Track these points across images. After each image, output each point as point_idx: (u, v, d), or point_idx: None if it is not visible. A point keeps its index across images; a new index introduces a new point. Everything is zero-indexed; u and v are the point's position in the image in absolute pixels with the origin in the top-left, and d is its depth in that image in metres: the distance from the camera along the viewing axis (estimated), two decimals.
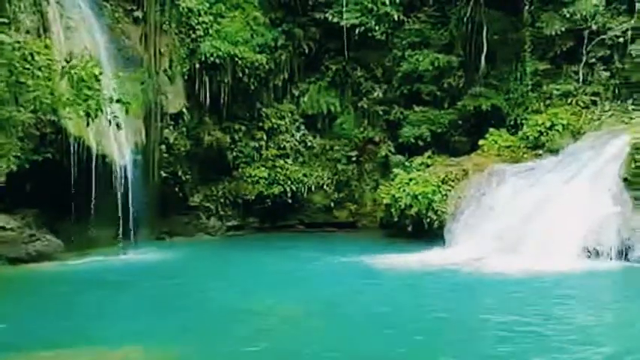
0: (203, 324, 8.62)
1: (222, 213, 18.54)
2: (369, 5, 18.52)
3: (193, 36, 17.22)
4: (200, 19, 17.25)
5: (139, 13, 16.22)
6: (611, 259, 13.04)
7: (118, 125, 12.06)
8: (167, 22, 16.82)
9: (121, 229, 14.69)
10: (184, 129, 17.27)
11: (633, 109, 16.33)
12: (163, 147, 16.70)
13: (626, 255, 13.00)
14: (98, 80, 10.92)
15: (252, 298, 10.08)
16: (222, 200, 18.46)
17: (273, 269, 13.09)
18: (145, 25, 16.33)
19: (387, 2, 18.50)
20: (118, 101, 11.33)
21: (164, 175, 16.78)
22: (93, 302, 9.94)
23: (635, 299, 10.70)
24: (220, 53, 17.04)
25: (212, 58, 17.03)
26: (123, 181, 14.72)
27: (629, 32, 17.06)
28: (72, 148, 13.86)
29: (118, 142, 14.74)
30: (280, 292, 10.65)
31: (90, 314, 9.23)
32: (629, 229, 13.08)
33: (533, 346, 7.66)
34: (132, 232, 14.90)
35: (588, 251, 13.24)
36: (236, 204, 18.60)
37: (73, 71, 10.53)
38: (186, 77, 17.24)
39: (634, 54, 16.82)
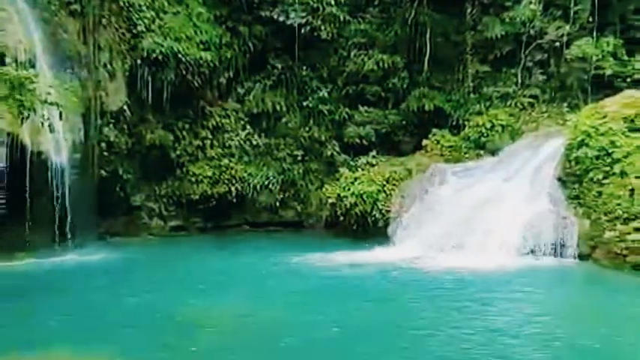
0: (126, 330, 8.33)
1: (165, 213, 18.16)
2: (315, 5, 18.55)
3: (134, 31, 16.79)
4: (141, 14, 16.83)
5: (76, 7, 15.66)
6: (548, 255, 13.47)
7: (50, 127, 11.69)
8: (107, 17, 16.34)
9: (58, 229, 14.20)
10: (125, 127, 16.80)
11: (568, 112, 16.96)
12: (103, 145, 16.21)
13: (560, 252, 13.47)
14: (32, 82, 10.57)
15: (184, 302, 9.81)
16: (165, 200, 18.08)
17: (211, 270, 12.83)
18: (84, 18, 15.81)
19: (333, 2, 18.60)
20: (51, 103, 10.98)
21: (104, 174, 16.29)
22: (17, 307, 9.50)
23: (560, 296, 11.12)
24: (163, 49, 16.68)
25: (154, 55, 16.64)
26: (60, 179, 14.21)
27: (564, 37, 17.73)
28: (4, 145, 13.27)
29: (54, 139, 14.21)
30: (216, 295, 10.46)
31: (11, 319, 8.81)
32: (563, 227, 13.57)
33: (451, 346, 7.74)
34: (70, 232, 14.41)
35: (526, 248, 13.65)
36: (179, 204, 18.25)
37: (6, 77, 10.15)
38: (127, 74, 16.79)
39: (569, 58, 17.49)
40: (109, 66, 16.43)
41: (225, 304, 9.68)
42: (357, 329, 8.42)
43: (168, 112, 17.75)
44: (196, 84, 17.77)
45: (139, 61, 16.79)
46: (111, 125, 16.39)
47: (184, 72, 17.25)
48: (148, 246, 16.51)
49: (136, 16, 16.90)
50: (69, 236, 14.38)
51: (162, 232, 18.01)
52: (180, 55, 16.99)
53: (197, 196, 18.09)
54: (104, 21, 16.35)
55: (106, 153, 16.34)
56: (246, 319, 8.89)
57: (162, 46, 16.72)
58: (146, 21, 16.97)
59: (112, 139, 16.41)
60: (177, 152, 18.12)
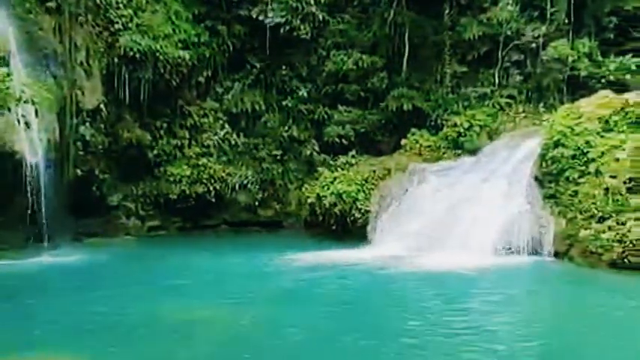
0: (96, 334, 8.14)
1: (142, 213, 18.00)
2: (294, 4, 18.51)
3: (112, 29, 16.65)
4: (119, 11, 16.69)
5: (52, 4, 15.45)
6: (525, 254, 13.59)
7: (27, 124, 11.52)
8: (83, 14, 16.15)
9: (32, 230, 13.98)
10: (102, 126, 16.63)
11: (544, 112, 17.16)
12: (79, 144, 16.03)
13: (537, 250, 13.62)
14: (6, 81, 10.38)
15: (158, 304, 9.64)
16: (142, 200, 17.93)
17: (189, 271, 12.68)
18: (60, 16, 15.59)
19: (312, 2, 18.57)
20: (26, 101, 10.81)
21: (80, 173, 16.08)
22: None
23: (533, 295, 11.21)
24: (140, 48, 16.54)
25: (132, 53, 16.51)
26: (34, 179, 13.99)
27: (541, 38, 17.95)
28: None
29: (29, 138, 13.99)
30: (193, 297, 10.33)
31: None
32: (539, 226, 13.72)
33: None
34: (45, 233, 14.19)
35: (504, 247, 13.76)
36: (157, 203, 18.11)
37: None
38: (104, 72, 16.64)
39: (545, 59, 17.71)
40: (85, 64, 16.26)
41: (202, 307, 9.52)
42: (322, 332, 8.29)
43: (146, 111, 17.62)
44: (174, 83, 17.65)
45: (116, 60, 16.67)
46: (87, 124, 16.21)
47: (162, 71, 17.14)
48: (126, 246, 16.34)
49: (114, 14, 16.76)
50: (44, 237, 14.17)
51: (140, 232, 17.85)
52: (158, 54, 16.88)
53: (175, 196, 17.97)
54: (81, 19, 16.17)
55: (81, 152, 16.16)
56: (219, 323, 8.78)
57: (139, 44, 16.58)
58: (124, 19, 16.82)
59: (88, 138, 16.23)
60: (155, 152, 17.98)
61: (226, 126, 18.95)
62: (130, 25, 16.82)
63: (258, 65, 19.27)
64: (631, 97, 13.85)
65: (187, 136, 18.49)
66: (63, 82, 15.48)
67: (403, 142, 18.01)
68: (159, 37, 17.11)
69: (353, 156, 18.24)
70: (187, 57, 17.51)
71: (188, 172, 18.11)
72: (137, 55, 16.58)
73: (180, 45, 17.54)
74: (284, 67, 19.32)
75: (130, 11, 16.87)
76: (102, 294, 10.39)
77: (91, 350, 7.41)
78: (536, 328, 8.71)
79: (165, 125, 18.18)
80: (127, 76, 16.79)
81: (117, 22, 16.67)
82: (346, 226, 16.51)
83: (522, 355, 7.47)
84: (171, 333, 8.23)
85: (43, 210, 14.01)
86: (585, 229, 12.91)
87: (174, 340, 7.94)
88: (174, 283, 11.47)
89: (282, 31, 18.59)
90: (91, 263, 13.54)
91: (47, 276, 12.22)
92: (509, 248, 13.73)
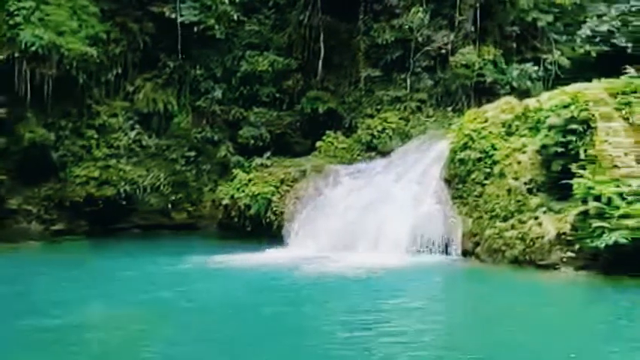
0: None
1: (46, 217, 17.06)
2: (208, 3, 18.22)
3: (12, 22, 15.72)
4: (20, 4, 15.81)
5: None
6: (435, 253, 14.00)
7: None
8: None
9: None
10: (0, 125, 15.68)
11: (452, 116, 17.82)
12: None
13: (446, 249, 14.09)
14: None
15: (42, 313, 9.15)
16: (45, 203, 16.99)
17: (84, 279, 12.01)
18: None
19: (227, 1, 18.34)
20: None
21: None
22: None
23: (435, 292, 11.62)
24: (43, 43, 15.70)
25: (33, 48, 15.63)
26: None
27: (449, 45, 18.62)
28: None
29: None
30: (74, 307, 9.73)
31: None
32: (448, 226, 14.20)
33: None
34: None
35: (415, 247, 14.13)
36: (62, 207, 17.23)
37: None
38: (3, 68, 15.66)
39: (453, 65, 18.39)
40: None
41: (84, 320, 8.99)
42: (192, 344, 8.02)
43: (50, 110, 16.75)
44: (81, 80, 16.88)
45: (16, 55, 15.73)
46: None
47: (68, 67, 16.34)
48: (25, 252, 15.42)
49: (14, 6, 15.87)
50: None
51: (43, 236, 16.90)
52: (62, 49, 16.08)
53: (81, 199, 17.18)
54: None
55: None
56: (114, 331, 8.46)
57: (42, 39, 15.74)
58: (25, 12, 15.95)
59: None
60: (60, 152, 17.14)
61: (137, 126, 18.32)
62: (31, 18, 15.93)
63: (171, 64, 18.77)
64: (531, 103, 14.62)
65: (95, 136, 17.73)
66: None
67: (318, 144, 18.15)
68: (64, 32, 16.32)
69: (268, 157, 18.13)
70: (95, 54, 16.79)
71: (96, 174, 17.37)
72: (39, 51, 15.73)
73: (87, 41, 16.80)
74: (198, 67, 18.95)
75: (32, 3, 15.97)
76: None
77: None
78: (431, 325, 8.93)
79: (71, 125, 17.34)
80: (28, 72, 15.90)
81: (17, 15, 15.75)
82: (261, 228, 16.42)
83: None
84: (40, 351, 7.68)
85: None
86: (490, 228, 13.49)
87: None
88: (64, 295, 10.65)
89: (195, 30, 18.23)
90: None
91: None
92: (420, 248, 14.12)
